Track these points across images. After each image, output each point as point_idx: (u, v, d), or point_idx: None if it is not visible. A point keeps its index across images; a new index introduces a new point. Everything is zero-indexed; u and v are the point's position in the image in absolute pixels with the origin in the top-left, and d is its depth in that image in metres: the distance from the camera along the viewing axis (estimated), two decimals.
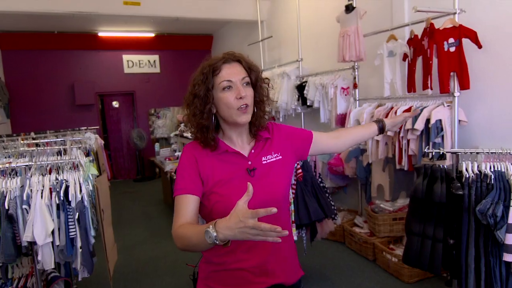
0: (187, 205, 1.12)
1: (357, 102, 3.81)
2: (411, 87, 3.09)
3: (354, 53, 3.49)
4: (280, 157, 1.23)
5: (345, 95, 3.96)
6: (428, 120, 2.79)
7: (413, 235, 2.06)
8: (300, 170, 2.78)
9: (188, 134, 5.09)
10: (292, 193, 2.76)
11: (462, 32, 2.66)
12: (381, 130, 1.48)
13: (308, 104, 4.34)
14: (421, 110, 2.82)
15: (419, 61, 2.96)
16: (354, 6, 3.50)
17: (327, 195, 2.98)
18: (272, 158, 1.22)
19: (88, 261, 2.33)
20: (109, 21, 6.70)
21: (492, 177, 1.76)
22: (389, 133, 3.06)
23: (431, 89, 2.87)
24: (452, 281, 2.10)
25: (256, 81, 1.19)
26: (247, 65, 1.18)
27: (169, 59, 8.59)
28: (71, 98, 7.74)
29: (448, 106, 2.81)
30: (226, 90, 1.13)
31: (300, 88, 4.45)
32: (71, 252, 2.24)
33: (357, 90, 3.81)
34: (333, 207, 2.94)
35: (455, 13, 2.69)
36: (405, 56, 3.17)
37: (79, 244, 2.25)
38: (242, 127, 1.20)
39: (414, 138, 2.95)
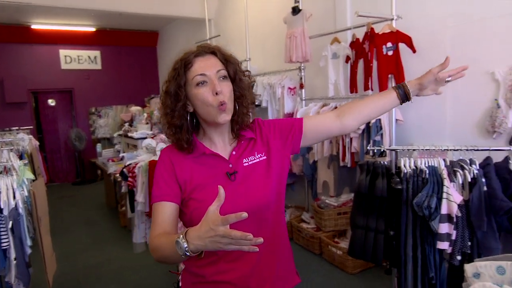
0: (163, 213, 1.03)
1: (303, 101, 3.92)
2: (353, 88, 3.25)
3: (300, 54, 3.59)
4: (265, 157, 1.12)
5: (292, 95, 4.06)
6: None
7: (357, 228, 2.17)
8: None
9: (134, 134, 4.93)
10: None
11: (399, 37, 2.85)
12: (404, 97, 1.15)
13: (256, 103, 4.38)
14: None
15: (361, 63, 3.12)
16: (300, 8, 3.59)
17: None
18: (255, 159, 1.11)
19: (24, 273, 2.15)
20: (44, 12, 6.22)
21: (427, 172, 1.91)
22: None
23: (372, 90, 3.04)
24: (391, 270, 2.24)
25: (235, 74, 1.08)
26: (223, 57, 1.08)
27: (112, 55, 8.18)
28: (0, 95, 7.08)
29: None
30: (200, 85, 1.03)
31: None
32: (4, 264, 2.05)
33: (303, 90, 3.93)
34: None
35: (392, 19, 2.87)
36: (347, 58, 3.32)
37: (13, 255, 2.06)
38: (223, 127, 1.10)
39: (356, 136, 3.12)
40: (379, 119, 2.97)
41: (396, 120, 3.01)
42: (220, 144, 1.12)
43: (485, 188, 1.78)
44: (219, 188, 0.82)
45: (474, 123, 2.72)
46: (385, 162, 2.15)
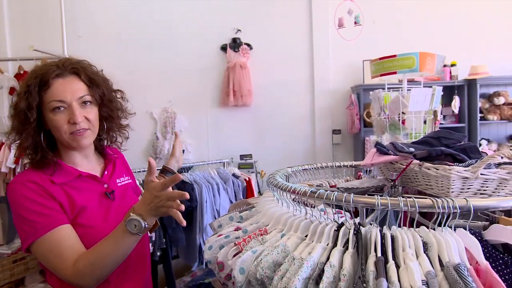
0: (68, 236, 0.89)
1: None
2: None
3: None
4: (130, 180, 1.17)
5: None
6: None
7: None
8: None
9: None
10: None
11: None
12: (173, 173, 1.24)
13: None
14: None
15: None
16: None
17: None
18: (124, 180, 1.14)
19: None
20: None
21: None
22: None
23: None
24: None
25: (102, 97, 1.01)
26: (88, 79, 0.98)
27: None
28: None
29: None
30: (56, 111, 0.92)
31: None
32: None
33: None
34: None
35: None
36: (12, 90, 3.12)
37: None
38: (87, 149, 1.04)
39: None
40: None
41: None
42: (85, 164, 1.05)
43: None
44: (150, 160, 0.90)
45: (142, 151, 3.40)
46: None
